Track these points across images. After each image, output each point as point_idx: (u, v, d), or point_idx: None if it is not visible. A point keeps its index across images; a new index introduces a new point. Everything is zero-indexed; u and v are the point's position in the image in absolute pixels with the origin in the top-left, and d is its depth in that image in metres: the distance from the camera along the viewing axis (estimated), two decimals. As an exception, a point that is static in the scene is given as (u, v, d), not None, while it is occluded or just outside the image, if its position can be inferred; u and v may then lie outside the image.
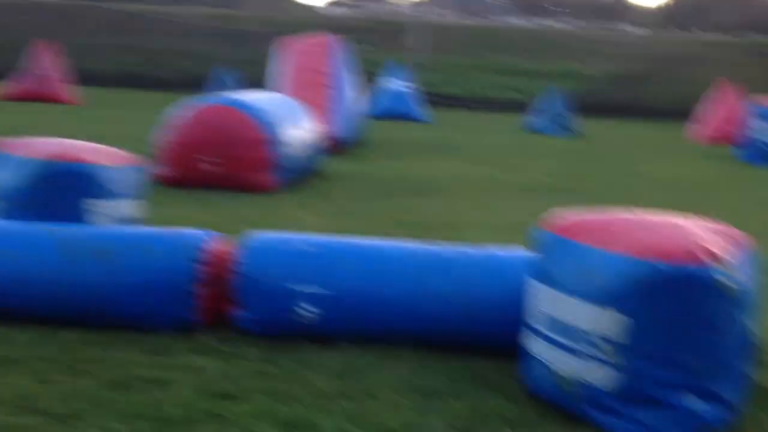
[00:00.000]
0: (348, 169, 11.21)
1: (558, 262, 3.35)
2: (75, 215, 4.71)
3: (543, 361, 3.41)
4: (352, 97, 14.07)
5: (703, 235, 3.21)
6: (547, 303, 3.39)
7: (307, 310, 3.98)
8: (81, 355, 3.81)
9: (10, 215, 4.63)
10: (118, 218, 4.95)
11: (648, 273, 3.04)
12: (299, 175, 9.73)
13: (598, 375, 3.17)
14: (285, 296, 3.99)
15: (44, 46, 19.64)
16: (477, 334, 3.92)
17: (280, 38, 15.19)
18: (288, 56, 14.09)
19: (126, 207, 5.05)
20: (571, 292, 3.25)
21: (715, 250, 3.10)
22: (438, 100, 23.17)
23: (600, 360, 3.16)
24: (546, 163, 13.07)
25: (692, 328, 3.07)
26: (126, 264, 4.07)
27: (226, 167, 8.83)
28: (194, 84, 20.18)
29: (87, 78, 21.66)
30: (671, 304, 3.04)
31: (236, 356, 3.89)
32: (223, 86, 18.67)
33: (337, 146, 12.53)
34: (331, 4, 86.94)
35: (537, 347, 3.46)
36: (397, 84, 19.94)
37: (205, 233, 4.31)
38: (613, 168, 12.91)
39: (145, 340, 3.99)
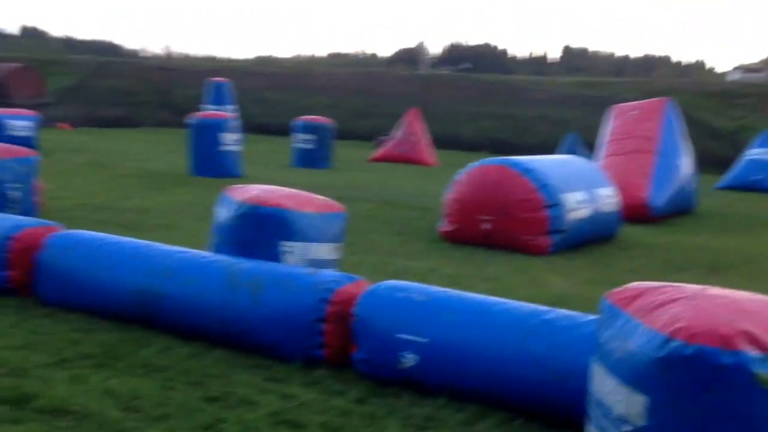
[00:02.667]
0: (648, 238, 10.59)
1: (604, 333, 3.02)
2: (271, 254, 5.28)
3: (590, 442, 3.08)
4: (683, 164, 13.25)
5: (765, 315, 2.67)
6: (594, 379, 3.07)
7: (408, 357, 4.04)
8: (212, 371, 4.31)
9: (217, 248, 5.39)
10: (311, 260, 5.43)
11: (665, 351, 2.62)
12: (583, 240, 9.50)
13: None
14: (390, 341, 4.10)
15: (415, 113, 21.61)
16: (567, 402, 3.62)
17: (616, 104, 14.89)
18: (615, 121, 13.81)
19: (320, 250, 5.51)
20: (607, 364, 2.91)
21: (763, 336, 2.56)
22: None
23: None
24: None
25: (719, 422, 2.56)
26: (268, 297, 4.53)
27: (500, 226, 9.00)
28: (549, 149, 20.58)
29: (451, 142, 23.42)
30: (690, 390, 2.58)
31: (336, 393, 4.08)
32: (572, 151, 18.75)
33: (650, 214, 11.92)
34: (748, 70, 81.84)
35: (587, 428, 3.13)
36: (761, 153, 18.20)
37: (346, 277, 4.59)
38: None
39: (272, 367, 4.38)
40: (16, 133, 14.49)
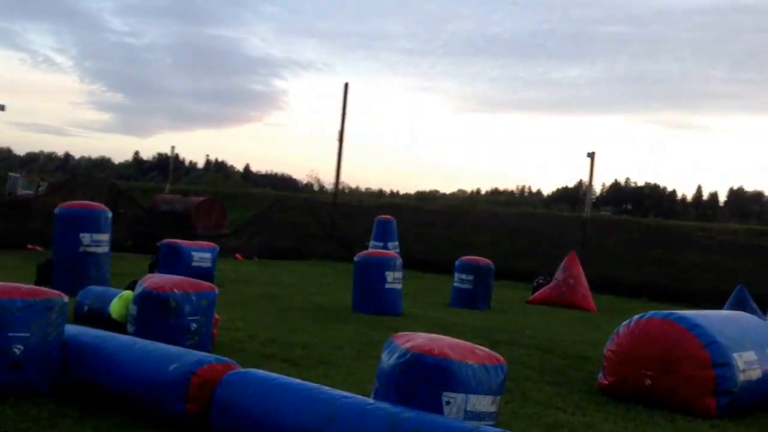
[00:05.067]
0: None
1: None
2: (432, 403, 5.42)
3: None
4: None
5: None
6: None
7: None
8: None
9: (376, 394, 5.61)
10: (471, 411, 5.53)
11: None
12: (755, 404, 8.99)
13: None
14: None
15: (574, 256, 21.45)
16: None
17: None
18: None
19: (480, 402, 5.58)
20: None
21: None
22: None
23: None
24: None
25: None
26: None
27: (662, 383, 8.71)
28: (713, 300, 19.78)
29: (610, 286, 23.09)
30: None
31: None
32: (742, 305, 17.89)
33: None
34: None
35: None
36: None
37: (505, 434, 4.66)
38: None
39: None
40: (197, 264, 15.65)
